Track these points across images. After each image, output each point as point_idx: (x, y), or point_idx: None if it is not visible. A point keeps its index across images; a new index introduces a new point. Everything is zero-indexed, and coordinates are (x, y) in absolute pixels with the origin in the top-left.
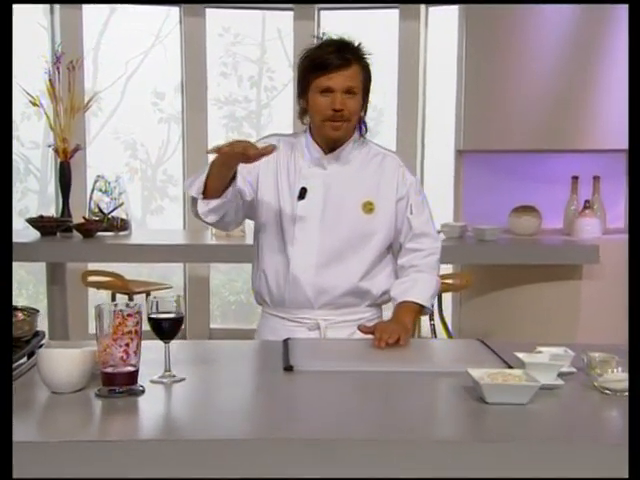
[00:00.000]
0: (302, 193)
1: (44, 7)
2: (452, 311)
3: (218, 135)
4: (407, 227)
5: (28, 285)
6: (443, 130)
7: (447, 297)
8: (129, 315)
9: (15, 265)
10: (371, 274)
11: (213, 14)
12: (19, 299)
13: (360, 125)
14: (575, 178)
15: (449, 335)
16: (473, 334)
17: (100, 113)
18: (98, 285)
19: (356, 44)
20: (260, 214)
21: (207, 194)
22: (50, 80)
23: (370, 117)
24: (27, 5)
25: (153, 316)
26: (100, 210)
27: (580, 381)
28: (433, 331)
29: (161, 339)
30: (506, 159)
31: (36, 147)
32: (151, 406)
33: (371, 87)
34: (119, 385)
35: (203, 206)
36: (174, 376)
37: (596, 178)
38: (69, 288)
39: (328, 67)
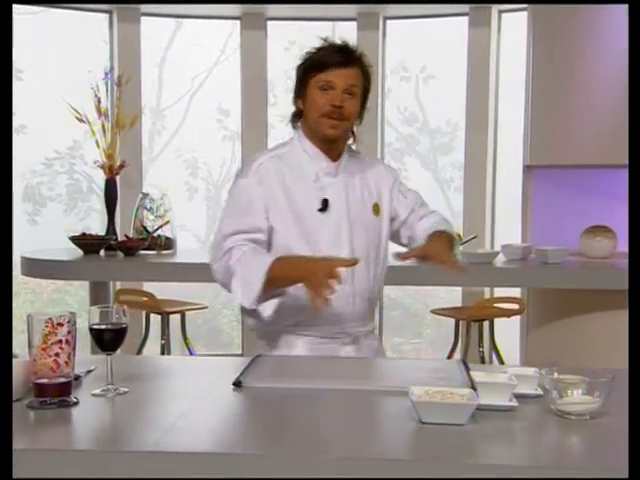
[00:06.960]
0: (324, 205)
1: (108, 22)
2: (520, 339)
3: None
4: (405, 206)
5: (87, 307)
6: (514, 144)
7: (511, 323)
8: (59, 324)
9: (77, 284)
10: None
11: (277, 27)
12: (79, 320)
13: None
14: None
15: (502, 362)
16: (540, 364)
17: (164, 131)
18: (130, 304)
19: (358, 52)
20: (275, 238)
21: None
22: (96, 95)
23: (444, 132)
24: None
25: (95, 327)
26: (144, 228)
27: (543, 404)
28: (482, 359)
29: (103, 350)
30: (578, 175)
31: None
32: (83, 418)
33: (368, 97)
34: (50, 396)
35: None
36: (117, 389)
37: None
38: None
39: (329, 65)
